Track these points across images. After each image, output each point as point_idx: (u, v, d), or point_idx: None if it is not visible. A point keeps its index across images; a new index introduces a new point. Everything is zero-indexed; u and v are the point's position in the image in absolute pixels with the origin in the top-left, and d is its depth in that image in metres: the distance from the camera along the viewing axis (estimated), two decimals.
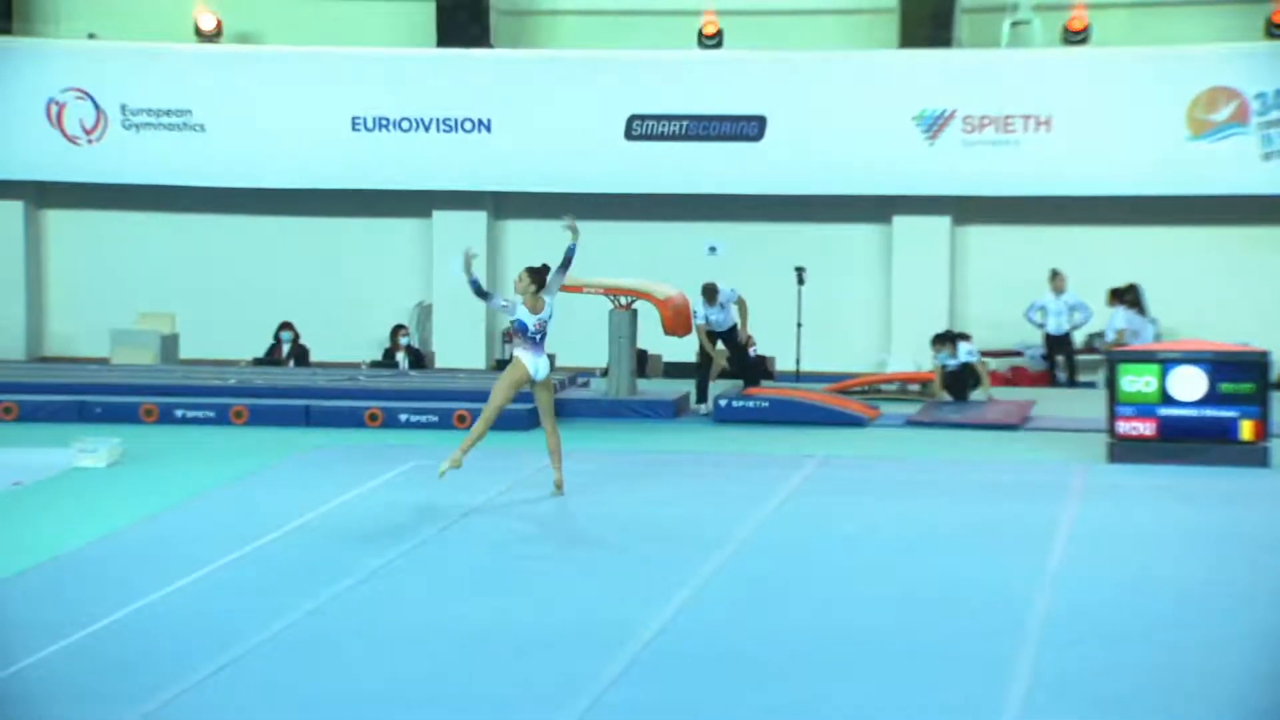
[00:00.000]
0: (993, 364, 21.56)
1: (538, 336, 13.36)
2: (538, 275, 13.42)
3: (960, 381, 19.15)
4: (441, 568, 11.46)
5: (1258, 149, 22.29)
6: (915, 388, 20.13)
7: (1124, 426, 15.50)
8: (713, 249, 23.61)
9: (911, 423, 18.18)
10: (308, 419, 17.89)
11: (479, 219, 24.41)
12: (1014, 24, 23.42)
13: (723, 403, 18.27)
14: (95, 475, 14.79)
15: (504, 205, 24.62)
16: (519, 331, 13.35)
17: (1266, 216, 22.91)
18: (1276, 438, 15.68)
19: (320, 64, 23.88)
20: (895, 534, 12.41)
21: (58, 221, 25.20)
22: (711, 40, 23.99)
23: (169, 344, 22.09)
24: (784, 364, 21.96)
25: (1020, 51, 23.30)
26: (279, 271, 24.57)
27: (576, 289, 18.79)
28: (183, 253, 24.72)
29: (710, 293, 18.55)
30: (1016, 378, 22.94)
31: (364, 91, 23.74)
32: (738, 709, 8.47)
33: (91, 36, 24.54)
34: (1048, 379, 22.75)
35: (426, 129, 23.72)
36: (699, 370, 19.05)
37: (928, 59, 23.10)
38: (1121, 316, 22.45)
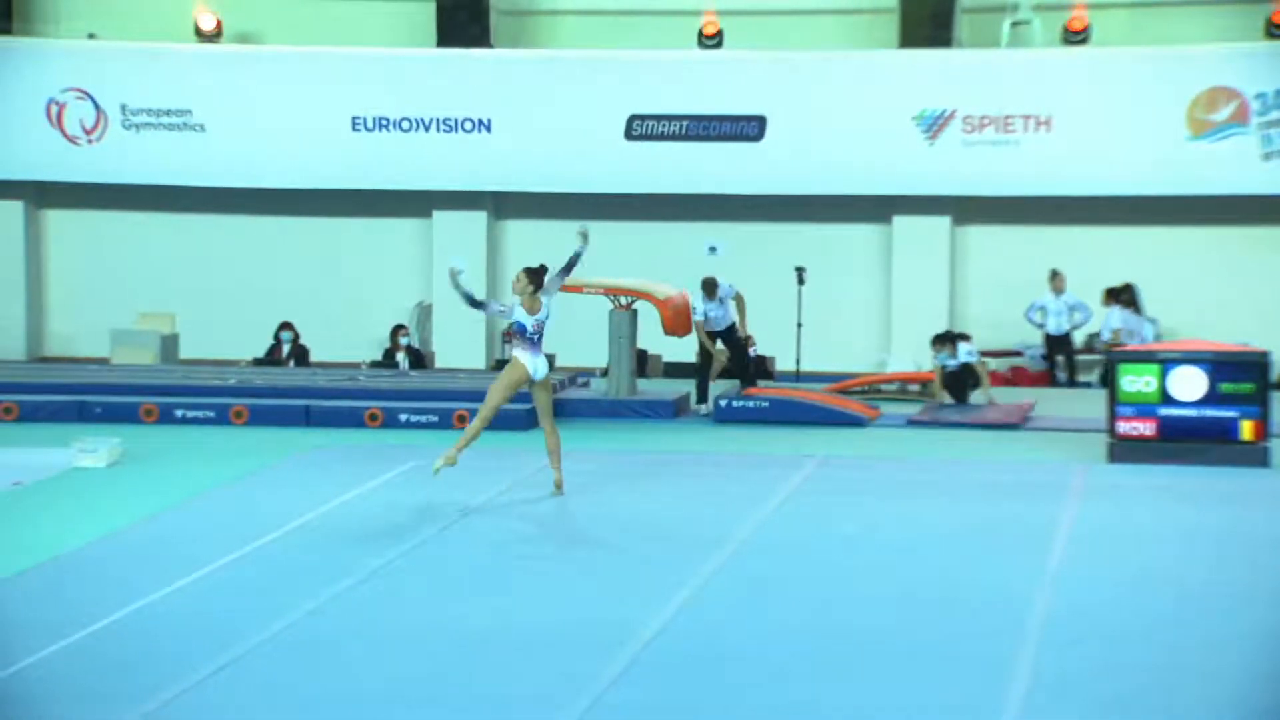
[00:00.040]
0: (993, 364, 21.56)
1: (536, 337, 13.36)
2: (535, 276, 13.42)
3: (960, 382, 19.15)
4: (441, 568, 11.46)
5: (1258, 149, 22.29)
6: (915, 388, 20.13)
7: (1124, 426, 15.51)
8: (713, 249, 23.60)
9: (912, 423, 18.18)
10: (308, 419, 17.89)
11: (479, 219, 24.42)
12: (1014, 24, 23.42)
13: (723, 403, 18.27)
14: (95, 475, 14.79)
15: (504, 205, 24.62)
16: (518, 332, 13.36)
17: (1266, 216, 22.91)
18: (1276, 438, 15.68)
19: (320, 64, 23.88)
20: (895, 534, 12.42)
21: (58, 221, 25.20)
22: (711, 40, 23.99)
23: (169, 344, 22.09)
24: (784, 364, 21.96)
25: (1020, 51, 23.30)
26: (279, 271, 24.57)
27: (576, 289, 18.77)
28: (183, 253, 24.72)
29: (710, 287, 18.52)
30: (1016, 378, 22.95)
31: (364, 91, 23.74)
32: (738, 709, 8.48)
33: (91, 36, 24.54)
34: (1048, 379, 22.76)
35: (426, 129, 23.72)
36: (699, 370, 19.04)
37: (928, 59, 23.10)
38: (1117, 316, 22.48)
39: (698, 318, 18.54)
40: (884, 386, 20.52)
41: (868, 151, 23.00)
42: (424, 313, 24.24)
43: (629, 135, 23.47)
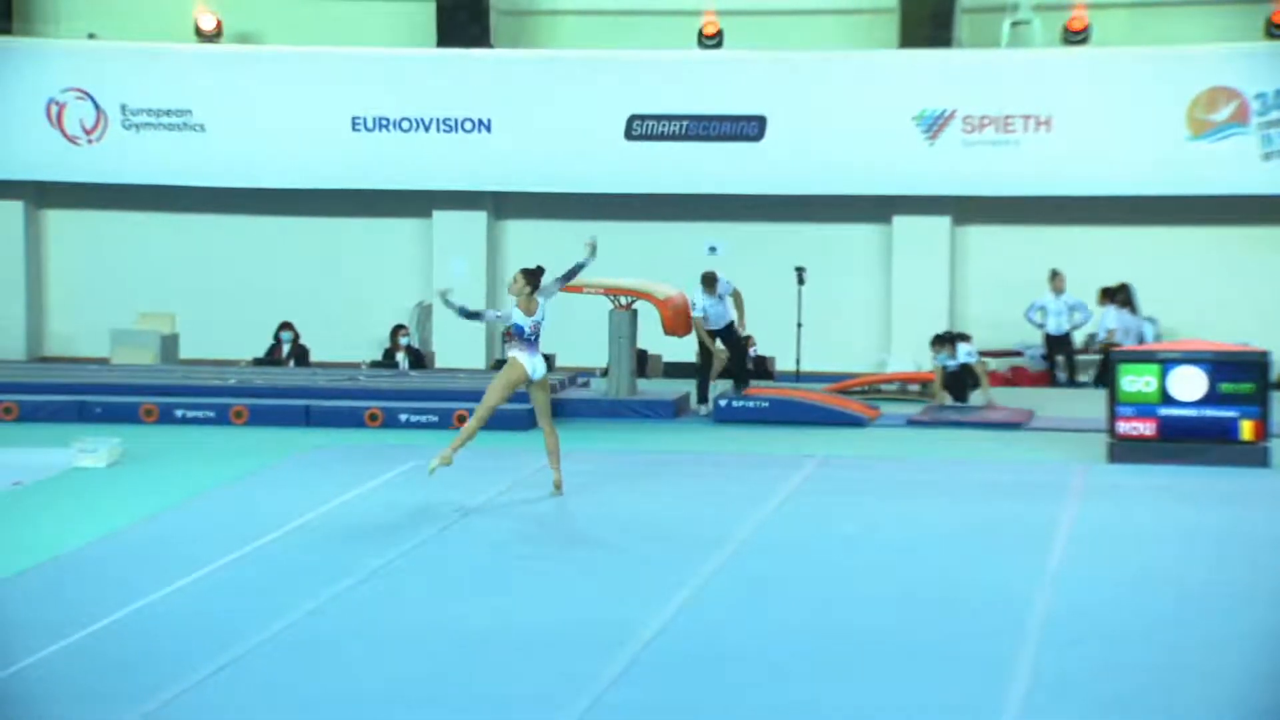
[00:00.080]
0: (993, 364, 21.56)
1: (533, 338, 13.37)
2: (532, 277, 13.42)
3: (960, 382, 19.15)
4: (441, 568, 11.46)
5: (1258, 149, 22.29)
6: (915, 388, 20.13)
7: (1124, 426, 15.51)
8: (713, 249, 23.60)
9: (912, 423, 18.18)
10: (308, 419, 17.89)
11: (479, 219, 24.42)
12: (1014, 24, 23.42)
13: (723, 403, 18.27)
14: (95, 475, 14.79)
15: (504, 205, 24.62)
16: (515, 334, 13.36)
17: (1266, 216, 22.91)
18: (1276, 438, 15.68)
19: (320, 64, 23.88)
20: (895, 534, 12.42)
21: (58, 221, 25.20)
22: (711, 40, 23.99)
23: (169, 344, 22.09)
24: (784, 364, 21.96)
25: (1020, 51, 23.30)
26: (279, 271, 24.57)
27: (577, 289, 18.72)
28: (183, 253, 24.72)
29: (710, 281, 18.49)
30: (1016, 378, 22.94)
31: (364, 91, 23.74)
32: (738, 709, 8.48)
33: (91, 36, 24.54)
34: (1048, 379, 22.76)
35: (426, 129, 23.72)
36: (699, 371, 19.04)
37: (928, 59, 23.10)
38: (1113, 316, 22.49)
39: (697, 314, 18.51)
40: (884, 386, 20.52)
41: (868, 151, 22.99)
42: (424, 313, 24.24)
43: (629, 135, 23.47)
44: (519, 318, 13.33)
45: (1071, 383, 22.51)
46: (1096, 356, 22.54)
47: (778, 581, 11.04)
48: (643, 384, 19.64)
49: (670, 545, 11.99)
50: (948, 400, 19.09)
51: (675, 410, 18.53)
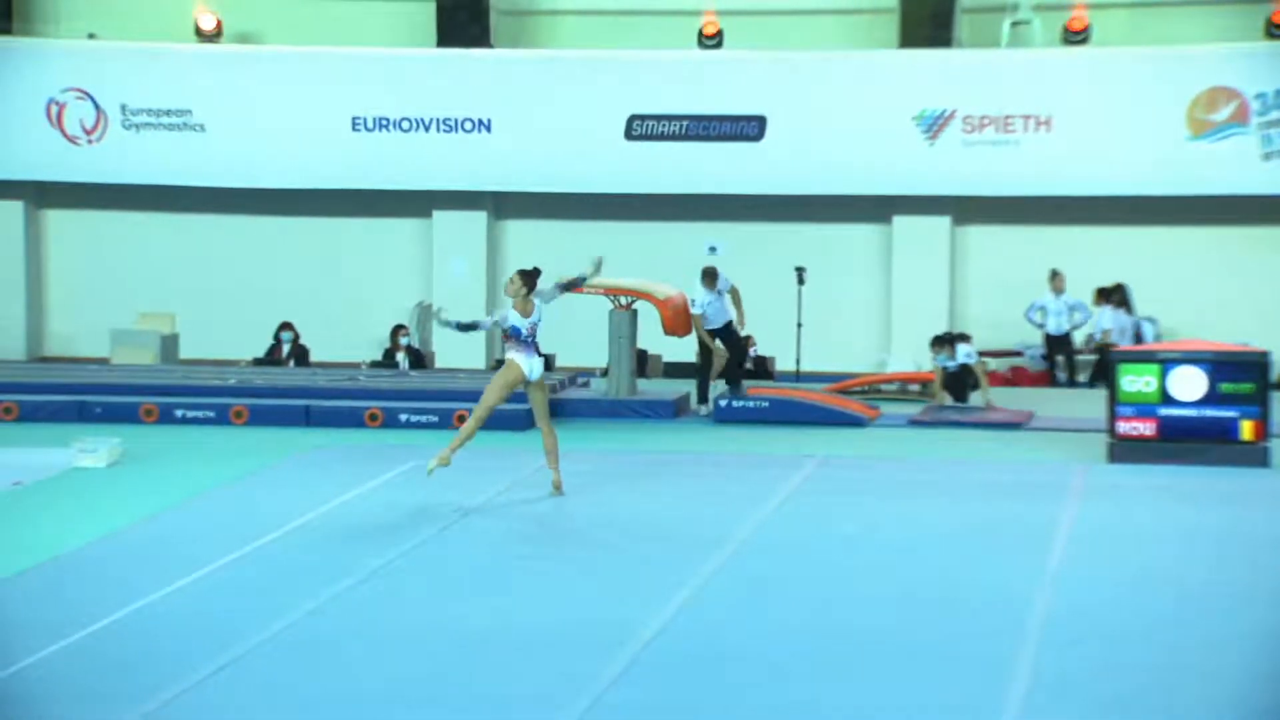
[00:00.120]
0: (993, 364, 21.57)
1: (530, 339, 13.37)
2: (529, 278, 13.43)
3: (959, 383, 19.15)
4: (441, 568, 11.46)
5: (1258, 149, 22.29)
6: (915, 388, 20.14)
7: (1124, 426, 15.51)
8: (713, 249, 23.60)
9: (912, 423, 18.18)
10: (308, 419, 17.89)
11: (479, 219, 24.43)
12: (1014, 24, 23.43)
13: (723, 403, 18.27)
14: (95, 475, 14.79)
15: (504, 205, 24.62)
16: (512, 335, 13.36)
17: (1266, 216, 22.91)
18: (1276, 438, 15.68)
19: (320, 64, 23.88)
20: (895, 534, 12.42)
21: (58, 221, 25.20)
22: (711, 40, 23.99)
23: (169, 344, 22.09)
24: (784, 364, 21.96)
25: (1020, 51, 23.30)
26: (279, 271, 24.58)
27: (577, 289, 18.78)
28: (183, 253, 24.73)
29: (711, 276, 18.48)
30: (1016, 378, 22.95)
31: (364, 91, 23.75)
32: (738, 709, 8.47)
33: (91, 36, 24.54)
34: (1048, 379, 22.76)
35: (426, 129, 23.72)
36: (699, 371, 19.03)
37: (928, 59, 23.10)
38: (1109, 316, 22.49)
39: (696, 311, 18.48)
40: (884, 387, 20.52)
41: (868, 151, 23.00)
42: (424, 313, 24.22)
43: (629, 135, 23.47)
44: (516, 319, 13.33)
45: (1071, 383, 22.52)
46: (1092, 357, 22.57)
47: (778, 581, 11.03)
48: (643, 384, 19.64)
49: (670, 545, 11.98)
50: (948, 400, 19.09)
51: (675, 410, 18.53)
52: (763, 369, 21.39)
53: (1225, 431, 15.31)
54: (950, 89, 22.88)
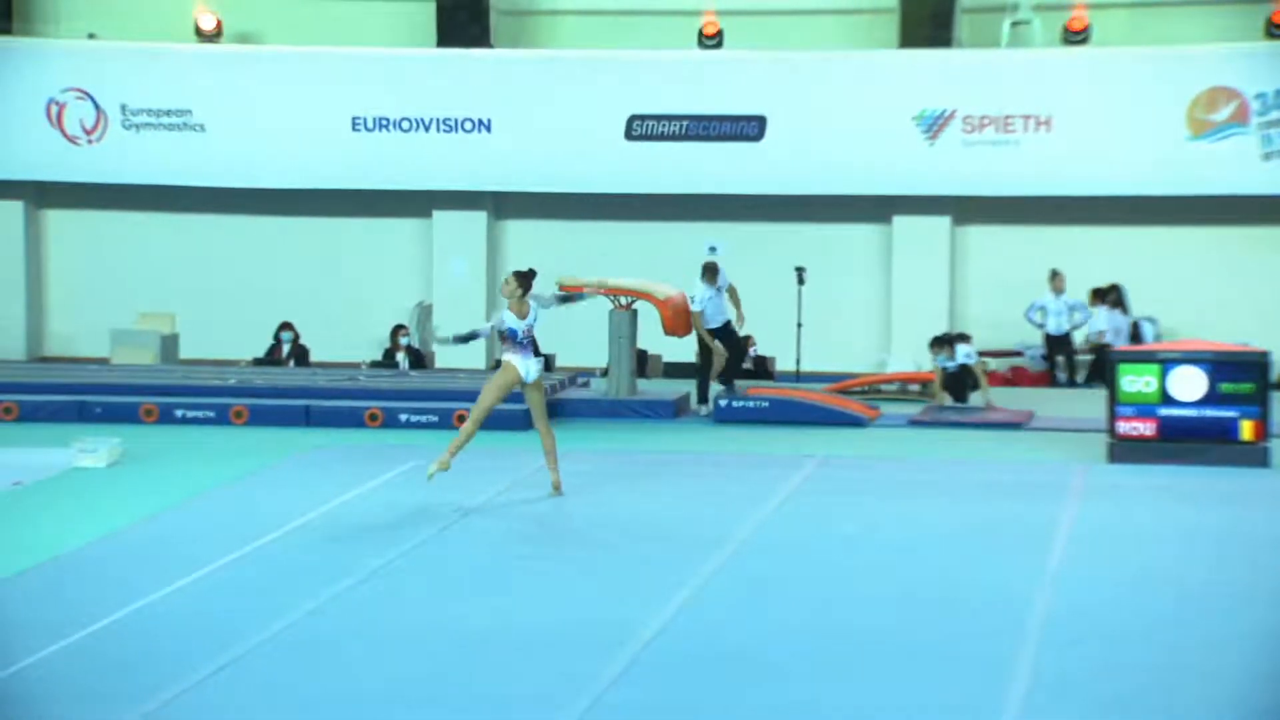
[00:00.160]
0: (993, 364, 21.57)
1: (525, 341, 13.38)
2: (524, 279, 13.44)
3: (959, 383, 19.15)
4: (441, 568, 11.46)
5: (1258, 149, 22.29)
6: (915, 388, 20.13)
7: (1124, 426, 15.51)
8: (713, 249, 23.58)
9: (912, 423, 18.18)
10: (308, 419, 17.89)
11: (479, 219, 24.43)
12: (1014, 24, 23.42)
13: (723, 403, 18.27)
14: (95, 475, 14.79)
15: (504, 205, 24.62)
16: (509, 337, 13.37)
17: (1266, 216, 22.91)
18: (1276, 438, 15.68)
19: (320, 64, 23.88)
20: (895, 534, 12.42)
21: (58, 221, 25.20)
22: (711, 40, 23.99)
23: (169, 344, 22.09)
24: (784, 364, 21.96)
25: (1020, 51, 23.30)
26: (279, 271, 24.58)
27: (577, 289, 18.77)
28: (183, 253, 24.73)
29: (712, 271, 18.48)
30: (1016, 378, 22.95)
31: (364, 91, 23.75)
32: (738, 709, 8.48)
33: (91, 36, 24.54)
34: (1048, 379, 22.76)
35: (426, 129, 23.72)
36: (699, 371, 19.03)
37: (928, 59, 23.10)
38: (1104, 317, 22.49)
39: (695, 308, 18.46)
40: (884, 387, 20.52)
41: (868, 151, 23.00)
42: (424, 313, 24.24)
43: (629, 135, 23.47)
44: (512, 321, 13.33)
45: (1071, 383, 22.52)
46: (1087, 357, 22.58)
47: (778, 581, 11.04)
48: (643, 384, 19.64)
49: (670, 545, 11.99)
50: (947, 401, 19.09)
51: (675, 410, 18.53)
52: (763, 369, 21.39)
53: (1225, 431, 15.31)
54: (950, 89, 22.88)
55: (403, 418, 17.76)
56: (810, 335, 21.66)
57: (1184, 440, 15.36)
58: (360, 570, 11.14)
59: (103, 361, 22.08)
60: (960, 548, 11.97)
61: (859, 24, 24.19)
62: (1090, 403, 18.66)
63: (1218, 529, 12.75)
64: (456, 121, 23.67)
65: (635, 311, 18.77)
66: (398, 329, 22.48)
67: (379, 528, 12.50)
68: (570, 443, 14.85)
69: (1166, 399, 15.40)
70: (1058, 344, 22.62)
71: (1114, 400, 15.56)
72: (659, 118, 23.41)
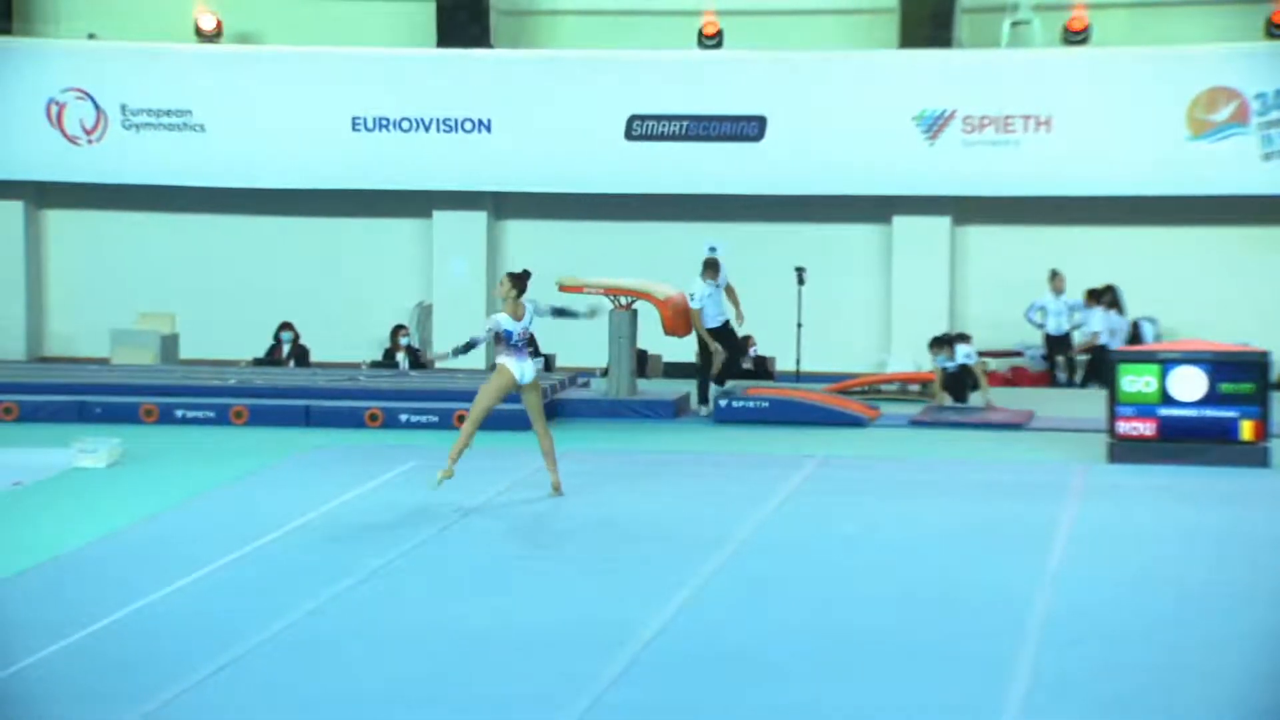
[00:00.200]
0: (993, 364, 21.56)
1: (520, 343, 13.37)
2: (519, 281, 13.44)
3: (959, 383, 19.15)
4: (441, 568, 11.47)
5: (1258, 149, 22.29)
6: (915, 388, 20.12)
7: (1124, 427, 15.50)
8: (713, 249, 23.55)
9: (912, 423, 18.18)
10: (308, 419, 17.89)
11: (479, 219, 24.42)
12: (1014, 24, 23.42)
13: (723, 403, 18.26)
14: (95, 475, 14.79)
15: (504, 205, 24.62)
16: (504, 339, 13.35)
17: (1266, 216, 22.91)
18: (1276, 438, 15.68)
19: (320, 64, 23.88)
20: (895, 534, 12.42)
21: (58, 221, 25.20)
22: (711, 40, 23.99)
23: (169, 344, 22.08)
24: (784, 364, 21.95)
25: (1020, 51, 23.30)
26: (279, 271, 24.57)
27: (577, 289, 18.81)
28: (183, 253, 24.72)
29: (714, 267, 18.47)
30: (1016, 378, 22.94)
31: (364, 91, 23.74)
32: (738, 709, 8.48)
33: (91, 36, 24.54)
34: (1048, 379, 22.76)
35: (426, 129, 23.72)
36: (700, 371, 19.02)
37: (928, 59, 23.09)
38: (1099, 317, 22.48)
39: (695, 305, 18.44)
40: (884, 387, 20.51)
41: (868, 151, 22.99)
42: (424, 313, 24.25)
43: (629, 135, 23.47)
44: (507, 323, 13.32)
45: (1072, 383, 22.51)
46: (1082, 358, 22.58)
47: (778, 581, 11.04)
48: (643, 384, 19.64)
49: (670, 545, 11.99)
50: (947, 401, 19.08)
51: (675, 410, 18.52)
52: (763, 369, 21.38)
53: (1225, 431, 15.31)
54: (950, 89, 22.88)
55: (403, 418, 17.76)
56: (810, 335, 21.64)
57: (1184, 440, 15.36)
58: (360, 570, 11.14)
59: (103, 361, 22.07)
60: (960, 548, 11.97)
61: (859, 24, 24.19)
62: (1090, 403, 18.66)
63: (1218, 529, 12.75)
64: (456, 121, 23.67)
65: (635, 311, 18.76)
66: (398, 329, 22.49)
67: (379, 528, 12.50)
68: (570, 443, 14.84)
69: (1166, 399, 15.40)
70: (1058, 344, 22.62)
71: (1114, 400, 15.56)
72: (659, 118, 23.41)
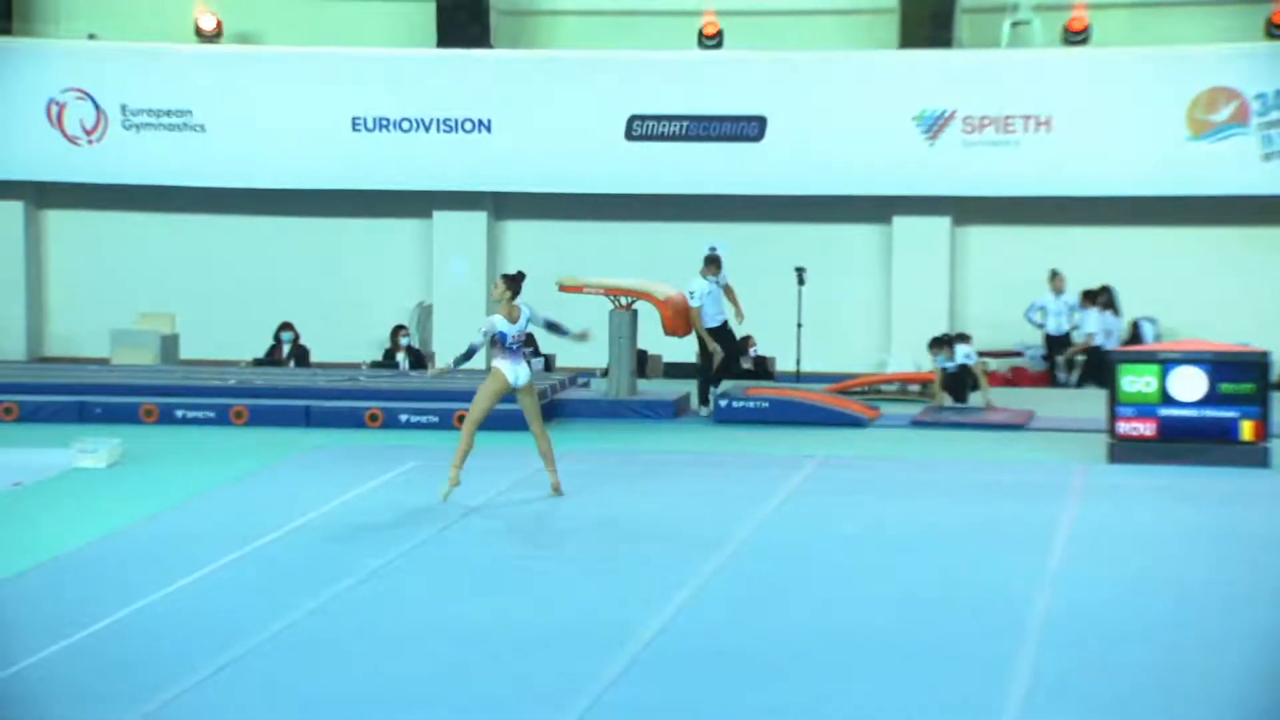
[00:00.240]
0: (993, 364, 21.56)
1: (515, 346, 13.37)
2: (513, 282, 13.45)
3: (959, 383, 19.15)
4: (441, 568, 11.47)
5: (1258, 149, 22.28)
6: (915, 388, 20.12)
7: (1124, 427, 15.51)
8: (713, 249, 23.55)
9: (913, 423, 18.17)
10: (308, 419, 17.89)
11: (479, 219, 24.42)
12: (1014, 24, 23.42)
13: (723, 403, 18.26)
14: (95, 475, 14.79)
15: (504, 205, 24.62)
16: (499, 341, 13.35)
17: (1266, 216, 22.91)
18: (1276, 438, 15.68)
19: (320, 64, 23.88)
20: (895, 534, 12.42)
21: (58, 221, 25.20)
22: (711, 40, 23.99)
23: (169, 344, 22.08)
24: (784, 364, 21.95)
25: (1020, 51, 23.30)
26: (279, 271, 24.58)
27: (577, 289, 18.81)
28: (183, 253, 24.73)
29: (715, 263, 18.47)
30: (1016, 378, 22.94)
31: (364, 91, 23.74)
32: (738, 709, 8.48)
33: (91, 36, 24.54)
34: (1048, 379, 22.76)
35: (426, 129, 23.72)
36: (700, 371, 19.02)
37: (928, 59, 23.09)
38: (1094, 318, 22.48)
39: (694, 304, 18.43)
40: (884, 387, 20.50)
41: (868, 151, 22.99)
42: (424, 313, 24.25)
43: (629, 135, 23.47)
44: (503, 325, 13.32)
45: (1069, 383, 22.50)
46: (1079, 358, 22.58)
47: (778, 581, 11.04)
48: (643, 384, 19.64)
49: (670, 545, 11.99)
50: (948, 401, 19.09)
51: (675, 410, 18.52)
52: (763, 369, 21.38)
53: (1225, 432, 15.32)
54: (950, 89, 22.88)
55: (403, 418, 17.76)
56: (810, 335, 21.63)
57: (1184, 440, 15.36)
58: (360, 570, 11.14)
59: (103, 362, 22.07)
60: (960, 548, 11.97)
61: (859, 24, 24.19)
62: (1090, 403, 18.66)
63: (1218, 529, 12.75)
64: (456, 122, 23.67)
65: (635, 311, 18.76)
66: (398, 329, 22.49)
67: (379, 528, 12.51)
68: (570, 443, 14.83)
69: (1167, 399, 15.40)
70: (1058, 344, 22.62)
71: (1114, 400, 15.56)
72: (659, 118, 23.41)
